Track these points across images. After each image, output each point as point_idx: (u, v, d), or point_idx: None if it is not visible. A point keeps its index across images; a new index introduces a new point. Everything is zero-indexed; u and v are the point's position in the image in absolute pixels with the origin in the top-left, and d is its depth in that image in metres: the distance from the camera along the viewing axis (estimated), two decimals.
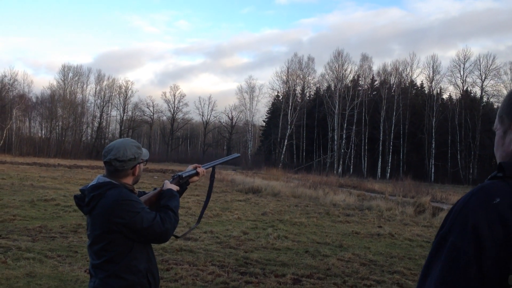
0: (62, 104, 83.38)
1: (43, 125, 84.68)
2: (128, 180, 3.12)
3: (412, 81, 73.25)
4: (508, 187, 1.29)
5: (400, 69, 72.55)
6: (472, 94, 69.27)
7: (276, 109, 77.76)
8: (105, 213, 2.91)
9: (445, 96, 72.24)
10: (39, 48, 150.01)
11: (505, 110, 1.45)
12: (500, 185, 1.31)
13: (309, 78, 79.59)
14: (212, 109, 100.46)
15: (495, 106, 67.26)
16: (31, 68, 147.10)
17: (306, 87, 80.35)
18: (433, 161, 64.59)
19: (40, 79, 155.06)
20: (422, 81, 74.59)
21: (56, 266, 7.75)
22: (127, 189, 3.07)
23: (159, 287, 3.25)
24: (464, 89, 68.92)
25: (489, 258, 1.22)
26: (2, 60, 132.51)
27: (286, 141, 72.18)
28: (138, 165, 3.13)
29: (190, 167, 3.62)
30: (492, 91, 67.50)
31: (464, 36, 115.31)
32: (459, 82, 69.37)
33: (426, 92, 72.12)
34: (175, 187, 3.35)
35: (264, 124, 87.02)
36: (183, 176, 3.50)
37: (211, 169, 3.77)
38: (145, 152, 3.23)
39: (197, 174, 3.58)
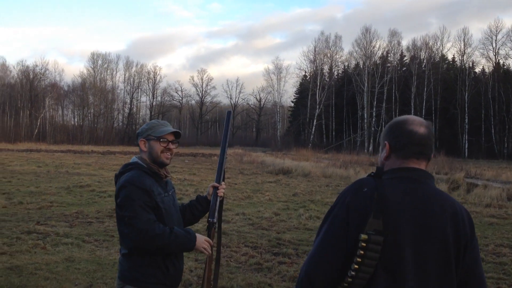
0: (93, 91, 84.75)
1: (76, 113, 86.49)
2: (144, 156, 3.13)
3: (443, 56, 71.66)
4: (374, 182, 1.94)
5: (431, 43, 71.16)
6: (505, 67, 67.43)
7: (304, 89, 77.28)
8: (116, 190, 3.03)
9: (477, 69, 70.57)
10: (73, 37, 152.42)
11: (383, 134, 2.12)
12: (371, 180, 1.97)
13: (337, 56, 78.86)
14: (240, 92, 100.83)
15: None
16: (65, 57, 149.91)
17: (334, 66, 79.64)
18: (466, 136, 63.37)
19: (73, 68, 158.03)
20: (453, 55, 72.96)
21: (93, 250, 7.95)
22: (151, 172, 3.07)
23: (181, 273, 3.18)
24: (497, 61, 67.14)
25: (353, 223, 1.87)
26: (38, 50, 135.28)
27: (315, 121, 71.78)
28: (143, 139, 3.13)
29: (210, 189, 3.28)
30: None
31: (504, 7, 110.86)
32: (491, 54, 67.64)
33: (458, 66, 70.52)
34: (203, 240, 3.04)
35: (292, 104, 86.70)
36: (215, 221, 3.14)
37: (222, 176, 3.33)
38: (159, 129, 3.13)
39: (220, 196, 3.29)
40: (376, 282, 1.83)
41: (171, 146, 3.16)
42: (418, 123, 2.05)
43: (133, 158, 3.18)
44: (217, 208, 3.16)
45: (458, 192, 17.55)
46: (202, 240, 3.02)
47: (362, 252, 1.81)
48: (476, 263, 1.97)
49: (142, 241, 2.85)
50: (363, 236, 1.82)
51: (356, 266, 1.82)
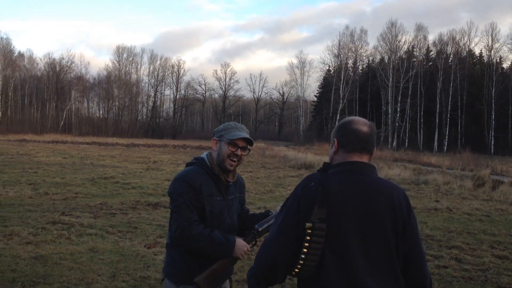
0: (117, 84, 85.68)
1: (101, 106, 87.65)
2: (214, 154, 3.10)
3: (470, 51, 70.39)
4: (320, 177, 2.22)
5: (457, 38, 69.94)
6: None
7: (328, 83, 76.77)
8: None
9: (505, 65, 69.16)
10: (99, 31, 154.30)
11: (333, 132, 2.42)
12: (317, 175, 2.25)
13: (361, 51, 78.01)
14: (263, 86, 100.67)
15: None
16: (91, 50, 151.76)
17: (358, 60, 78.85)
18: (492, 132, 62.23)
19: (99, 61, 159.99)
20: (480, 50, 71.60)
21: (117, 241, 8.04)
22: (211, 173, 3.03)
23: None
24: None
25: (303, 214, 2.14)
26: (64, 43, 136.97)
27: (338, 115, 71.27)
28: (216, 139, 3.10)
29: (278, 207, 2.94)
30: None
31: None
32: None
33: (485, 61, 69.20)
34: (242, 245, 2.94)
35: (315, 99, 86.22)
36: (260, 230, 3.03)
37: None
38: (232, 132, 3.06)
39: None
40: (327, 265, 2.11)
41: (240, 152, 3.06)
42: (362, 123, 2.36)
43: (204, 154, 3.18)
44: (270, 223, 3.00)
45: (483, 189, 17.26)
46: (241, 247, 2.92)
47: (308, 238, 2.10)
48: (415, 239, 2.22)
49: (178, 238, 2.87)
50: (308, 224, 2.11)
51: (305, 250, 2.11)
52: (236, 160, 3.05)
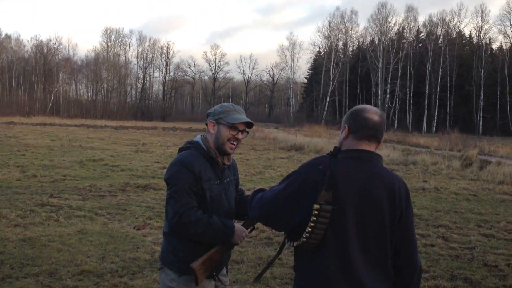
0: (106, 66, 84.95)
1: (89, 88, 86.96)
2: (209, 137, 3.00)
3: (459, 32, 70.49)
4: (329, 160, 2.33)
5: (447, 19, 69.95)
6: None
7: (318, 65, 76.62)
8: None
9: (494, 46, 69.39)
10: (87, 13, 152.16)
11: (344, 118, 2.48)
12: (327, 159, 2.35)
13: (352, 32, 77.84)
14: (253, 68, 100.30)
15: None
16: (79, 32, 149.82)
17: (348, 42, 78.69)
18: (481, 113, 62.69)
19: (87, 43, 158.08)
20: (470, 32, 71.73)
21: (106, 223, 8.03)
22: (208, 156, 2.95)
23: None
24: None
25: (305, 194, 2.29)
26: (52, 25, 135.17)
27: (328, 97, 71.34)
28: (213, 121, 2.98)
29: None
30: None
31: None
32: (509, 31, 66.40)
33: (475, 42, 69.33)
34: (241, 231, 2.87)
35: (305, 81, 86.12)
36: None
37: None
38: (232, 115, 2.97)
39: None
40: (326, 244, 2.25)
41: (240, 136, 2.99)
42: (373, 112, 2.43)
43: (197, 137, 3.07)
44: None
45: (471, 169, 17.42)
46: (239, 233, 2.85)
47: (314, 218, 2.24)
48: (409, 230, 2.33)
49: (176, 224, 2.78)
50: (316, 206, 2.23)
51: (309, 229, 2.25)
52: (236, 143, 2.99)
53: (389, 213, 2.27)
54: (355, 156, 2.37)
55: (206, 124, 3.06)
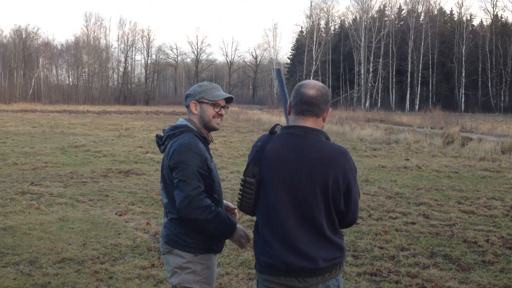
0: (86, 50, 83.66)
1: (70, 73, 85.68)
2: (194, 118, 3.07)
3: (441, 8, 70.70)
4: (267, 138, 2.54)
5: None
6: (503, 19, 66.56)
7: (301, 45, 76.41)
8: (168, 153, 2.93)
9: (475, 22, 69.70)
10: None
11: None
12: (265, 136, 2.56)
13: (333, 11, 77.70)
14: (236, 49, 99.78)
15: None
16: (58, 16, 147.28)
17: (330, 21, 78.44)
18: (463, 90, 63.15)
19: (66, 27, 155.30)
20: (451, 8, 71.91)
21: (87, 210, 7.98)
22: (201, 136, 3.01)
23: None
24: (495, 14, 66.28)
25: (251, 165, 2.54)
26: (30, 9, 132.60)
27: (311, 77, 71.15)
28: (195, 102, 3.05)
29: None
30: None
31: None
32: (489, 7, 67.01)
33: (456, 19, 69.55)
34: (241, 232, 2.97)
35: (288, 61, 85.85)
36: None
37: None
38: (213, 93, 3.07)
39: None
40: (260, 211, 2.53)
41: (223, 111, 3.11)
42: (310, 87, 2.50)
43: (181, 120, 3.09)
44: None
45: (452, 147, 17.60)
46: (241, 232, 2.94)
47: (241, 188, 2.56)
48: (351, 191, 2.44)
49: (186, 208, 2.78)
50: (241, 177, 2.57)
51: (239, 197, 2.60)
52: (220, 119, 3.10)
53: (321, 182, 2.38)
54: (289, 132, 2.50)
55: (187, 106, 3.11)
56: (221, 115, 3.09)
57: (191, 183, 2.80)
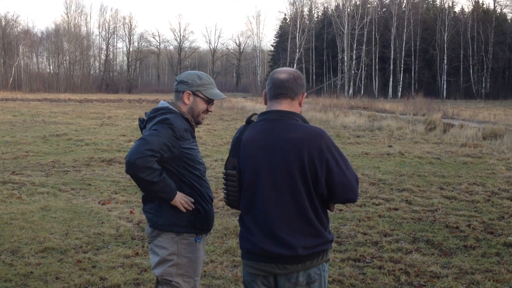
0: (67, 38, 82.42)
1: (51, 60, 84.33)
2: (182, 107, 3.07)
3: None
4: (244, 128, 2.57)
5: None
6: (484, 6, 67.06)
7: (284, 32, 76.18)
8: (148, 124, 2.98)
9: (457, 9, 70.22)
10: None
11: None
12: (242, 127, 2.59)
13: None
14: (219, 36, 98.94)
15: (509, 17, 65.42)
16: (37, 3, 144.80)
17: (314, 8, 78.35)
18: (445, 77, 63.66)
19: (46, 14, 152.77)
20: None
21: (70, 199, 7.91)
22: (184, 118, 3.02)
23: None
24: (476, 0, 66.69)
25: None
26: None
27: (295, 65, 71.12)
28: (189, 92, 3.06)
29: None
30: (505, 2, 65.43)
31: None
32: None
33: (438, 6, 69.88)
34: (181, 196, 3.00)
35: (272, 49, 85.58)
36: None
37: None
38: (211, 90, 3.10)
39: None
40: (242, 199, 2.55)
41: (212, 108, 3.18)
42: (282, 72, 2.55)
43: (162, 102, 3.11)
44: None
45: (434, 133, 17.76)
46: (181, 196, 2.96)
47: (224, 181, 2.61)
48: (331, 173, 2.38)
49: (134, 163, 2.74)
50: (223, 171, 2.62)
51: (225, 192, 2.64)
52: (207, 114, 3.19)
53: (298, 164, 2.38)
54: (264, 118, 2.51)
55: (177, 91, 3.11)
56: (209, 111, 3.15)
57: (153, 144, 2.78)
